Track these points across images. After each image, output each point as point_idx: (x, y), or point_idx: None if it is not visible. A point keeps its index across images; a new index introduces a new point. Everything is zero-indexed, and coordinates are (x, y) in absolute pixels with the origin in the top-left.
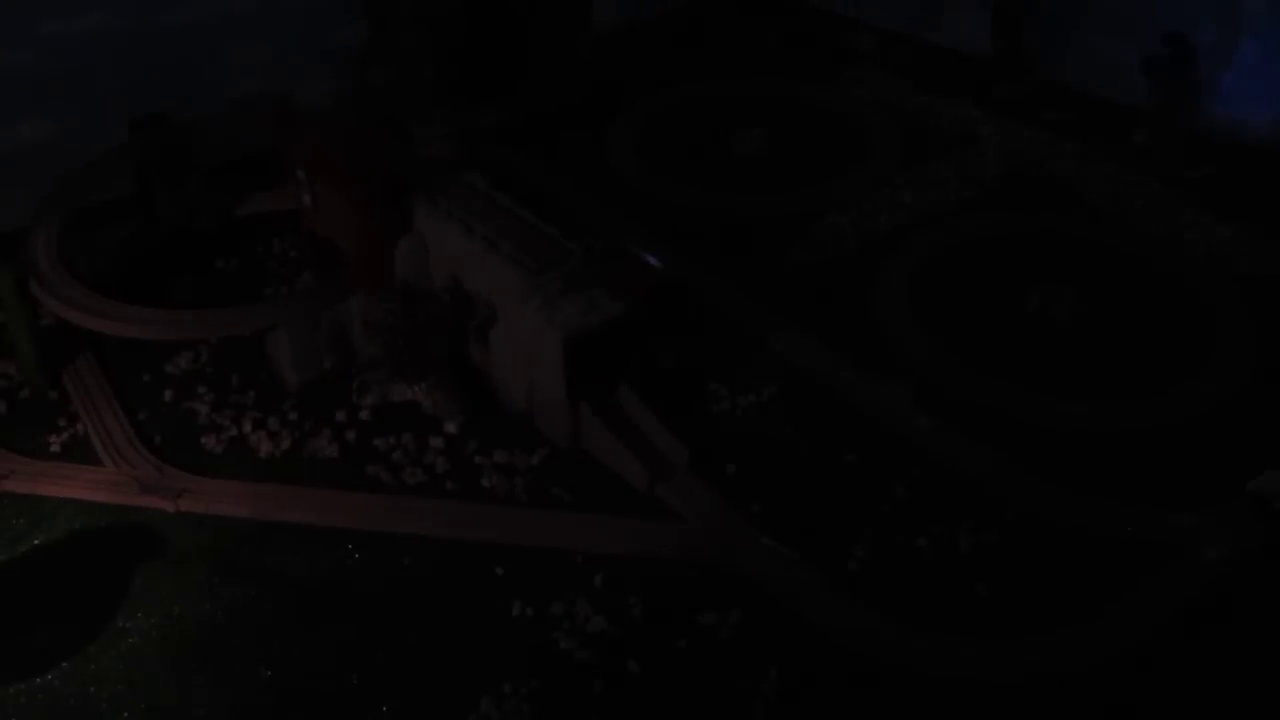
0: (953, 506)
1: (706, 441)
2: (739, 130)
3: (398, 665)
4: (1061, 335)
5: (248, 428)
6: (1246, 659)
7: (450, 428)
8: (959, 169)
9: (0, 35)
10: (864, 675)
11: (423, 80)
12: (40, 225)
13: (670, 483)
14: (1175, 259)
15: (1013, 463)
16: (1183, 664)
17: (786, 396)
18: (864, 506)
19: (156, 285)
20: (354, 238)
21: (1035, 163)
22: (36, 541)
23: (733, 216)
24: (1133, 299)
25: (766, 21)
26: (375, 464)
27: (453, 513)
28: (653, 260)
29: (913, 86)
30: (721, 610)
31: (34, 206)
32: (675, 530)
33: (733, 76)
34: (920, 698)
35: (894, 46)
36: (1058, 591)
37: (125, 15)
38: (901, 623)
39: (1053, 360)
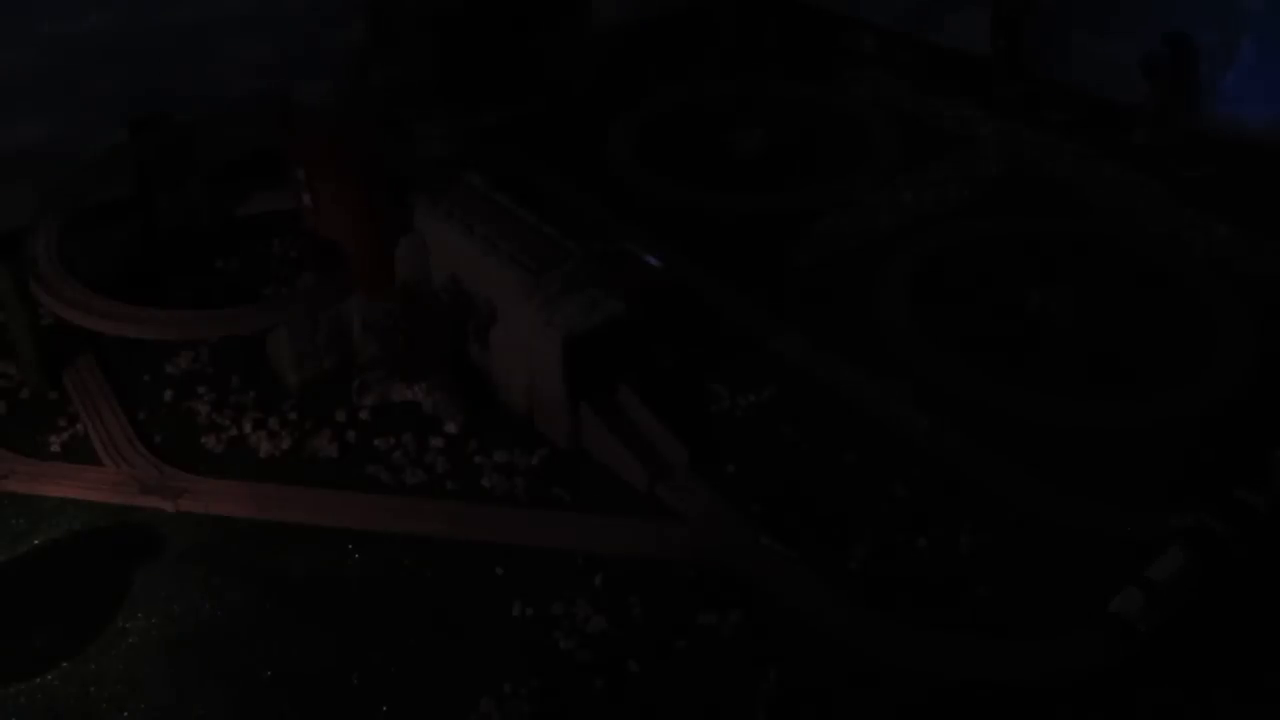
0: (953, 506)
1: (706, 441)
2: (739, 130)
3: (398, 665)
4: (1061, 335)
5: (248, 428)
6: None
7: (450, 428)
8: (959, 169)
9: (0, 35)
10: (864, 675)
11: (424, 80)
12: (40, 225)
13: (670, 483)
14: (1175, 259)
15: (1013, 463)
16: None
17: (786, 396)
18: (864, 506)
19: (156, 285)
20: (354, 238)
21: (1035, 163)
22: (36, 541)
23: (733, 216)
24: (1133, 299)
25: (767, 21)
26: (375, 464)
27: (453, 513)
28: (653, 260)
29: (913, 86)
30: (721, 610)
31: (34, 206)
32: (675, 530)
33: (733, 76)
34: (920, 698)
35: (894, 46)
36: (1058, 591)
37: (125, 15)
38: (901, 623)
39: (1053, 360)
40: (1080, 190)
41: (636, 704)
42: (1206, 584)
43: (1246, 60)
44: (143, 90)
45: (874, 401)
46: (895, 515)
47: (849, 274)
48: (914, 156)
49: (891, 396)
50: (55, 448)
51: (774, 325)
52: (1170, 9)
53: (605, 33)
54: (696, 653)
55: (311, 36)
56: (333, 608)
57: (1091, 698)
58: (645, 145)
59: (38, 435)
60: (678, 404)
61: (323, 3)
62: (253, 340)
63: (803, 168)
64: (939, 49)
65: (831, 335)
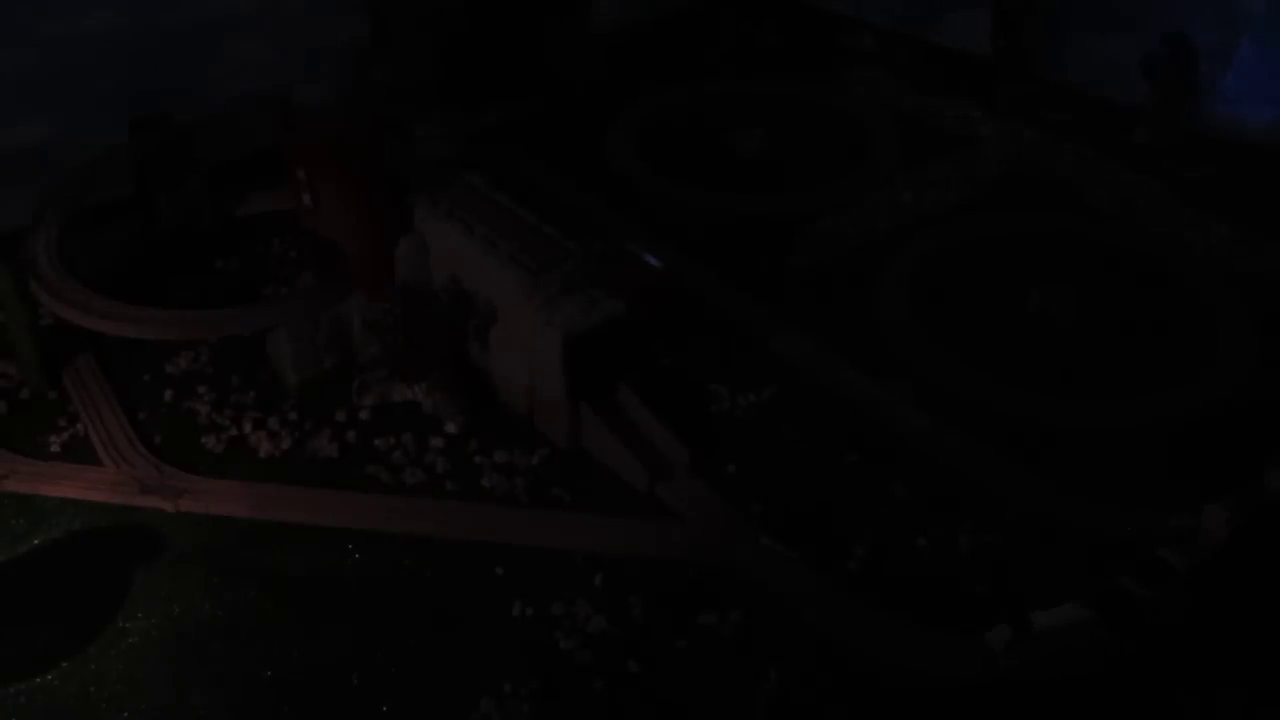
0: (953, 506)
1: (706, 441)
2: (739, 130)
3: (398, 665)
4: (1061, 335)
5: (248, 428)
6: None
7: (450, 428)
8: (959, 169)
9: (0, 35)
10: (863, 675)
11: (423, 80)
12: (40, 225)
13: (670, 483)
14: (1175, 258)
15: (1013, 463)
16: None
17: (786, 396)
18: (864, 506)
19: (156, 285)
20: (354, 238)
21: (1035, 163)
22: (36, 541)
23: (733, 216)
24: (1133, 299)
25: (766, 21)
26: (375, 464)
27: (453, 513)
28: (653, 260)
29: (913, 86)
30: (721, 610)
31: (34, 206)
32: (675, 530)
33: (733, 76)
34: (920, 697)
35: (894, 46)
36: (1057, 592)
37: (125, 15)
38: (901, 623)
39: (1053, 360)
40: (1080, 190)
41: (636, 704)
42: (1120, 643)
43: (1246, 60)
44: (143, 90)
45: (874, 401)
46: (895, 515)
47: (849, 274)
48: (914, 156)
49: (892, 397)
50: (55, 448)
51: (774, 325)
52: (1170, 9)
53: (605, 32)
54: (696, 653)
55: (311, 36)
56: (333, 608)
57: (1089, 697)
58: (646, 145)
59: (38, 435)
60: (678, 404)
61: (323, 3)
62: (253, 340)
63: (803, 168)
64: (939, 49)
65: (831, 335)
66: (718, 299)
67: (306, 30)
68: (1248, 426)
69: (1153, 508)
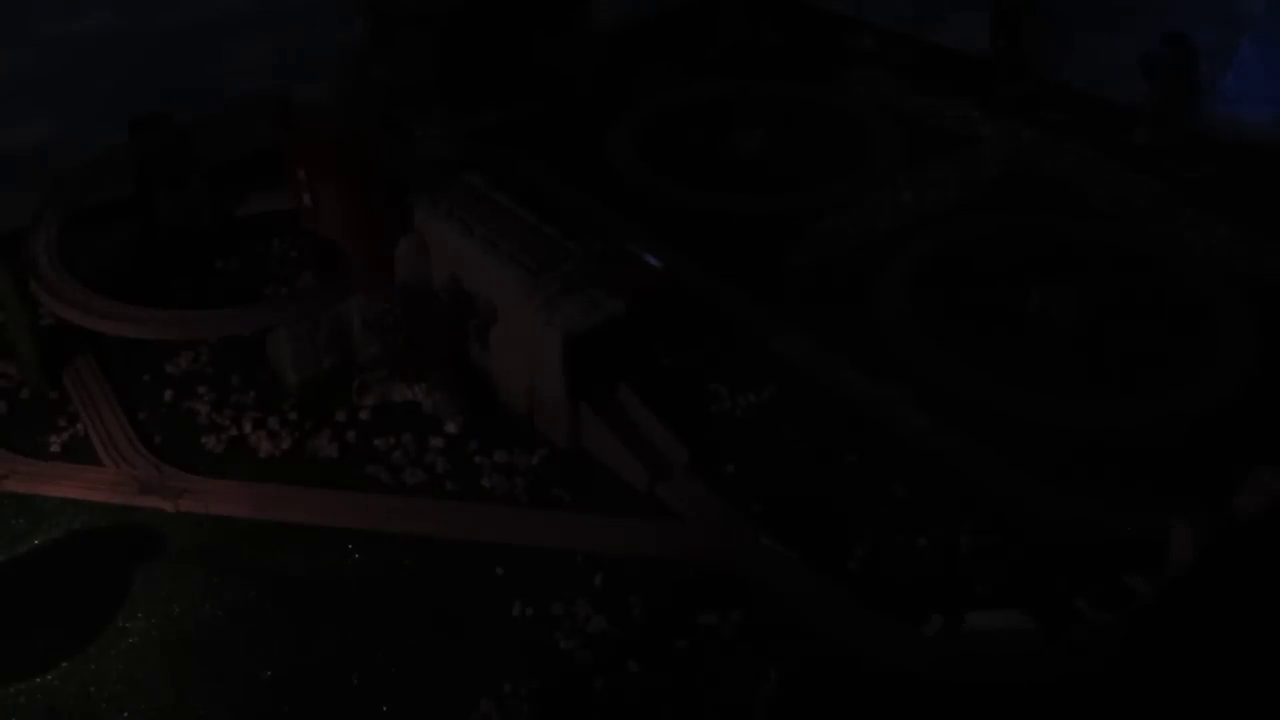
0: (953, 506)
1: (706, 441)
2: (739, 130)
3: (398, 665)
4: (1061, 335)
5: (248, 428)
6: None
7: (450, 428)
8: (959, 169)
9: (0, 35)
10: (864, 675)
11: (423, 80)
12: (40, 225)
13: (670, 483)
14: (1175, 258)
15: (1013, 463)
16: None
17: (786, 396)
18: (864, 506)
19: (156, 285)
20: (354, 238)
21: (1035, 163)
22: (36, 541)
23: (733, 216)
24: (1133, 299)
25: (766, 21)
26: (375, 464)
27: (453, 513)
28: (653, 260)
29: (913, 86)
30: (721, 610)
31: (34, 206)
32: (675, 530)
33: (733, 76)
34: (919, 698)
35: (894, 46)
36: (1057, 592)
37: (125, 15)
38: (902, 623)
39: (1053, 360)
40: (1080, 190)
41: (636, 704)
42: (1061, 661)
43: (1246, 60)
44: (143, 90)
45: (874, 401)
46: (895, 515)
47: (849, 274)
48: (914, 156)
49: (892, 396)
50: (55, 448)
51: (774, 325)
52: (1170, 9)
53: (605, 32)
54: (696, 653)
55: (311, 36)
56: (333, 608)
57: (1089, 698)
58: (645, 145)
59: (38, 435)
60: (678, 404)
61: (323, 3)
62: (253, 340)
63: (803, 168)
64: (939, 49)
65: (831, 335)
66: (717, 299)
67: (306, 30)
68: (1247, 427)
69: (1153, 508)
